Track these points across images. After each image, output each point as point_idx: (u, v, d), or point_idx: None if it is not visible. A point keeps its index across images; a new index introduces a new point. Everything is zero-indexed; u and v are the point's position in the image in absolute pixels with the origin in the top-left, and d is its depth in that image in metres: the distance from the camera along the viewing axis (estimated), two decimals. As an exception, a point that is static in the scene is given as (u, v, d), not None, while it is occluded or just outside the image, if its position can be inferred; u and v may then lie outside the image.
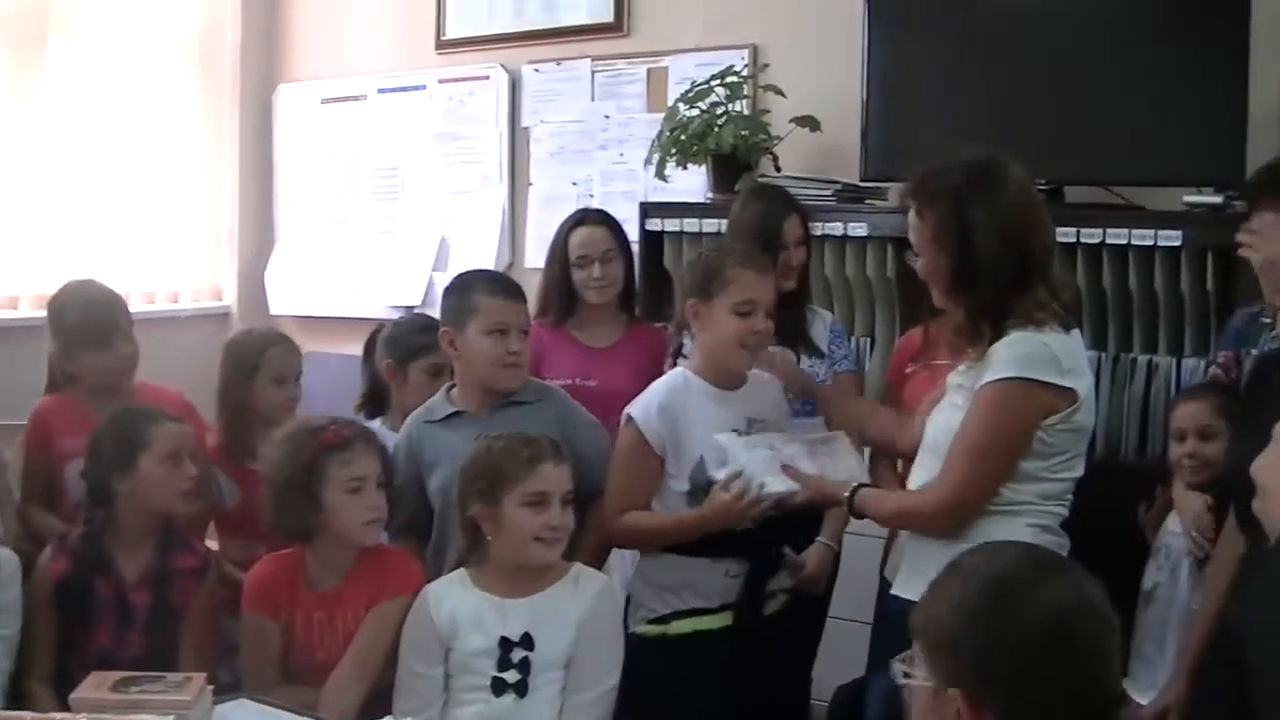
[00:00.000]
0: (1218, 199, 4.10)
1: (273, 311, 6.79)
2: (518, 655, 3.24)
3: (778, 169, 5.07)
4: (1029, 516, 2.90)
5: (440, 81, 6.40)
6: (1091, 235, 4.19)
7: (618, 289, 4.40)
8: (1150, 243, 4.10)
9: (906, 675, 1.85)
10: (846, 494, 3.16)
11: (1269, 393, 2.71)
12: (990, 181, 2.91)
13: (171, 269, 6.75)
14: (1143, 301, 4.20)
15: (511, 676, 3.23)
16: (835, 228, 4.64)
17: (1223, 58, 4.15)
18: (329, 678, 3.39)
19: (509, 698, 3.23)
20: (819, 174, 4.87)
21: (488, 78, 6.22)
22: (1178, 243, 4.07)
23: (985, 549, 2.01)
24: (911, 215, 3.05)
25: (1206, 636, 2.86)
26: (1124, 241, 4.15)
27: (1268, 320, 3.48)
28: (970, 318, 2.96)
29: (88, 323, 4.20)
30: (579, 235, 4.40)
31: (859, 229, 4.47)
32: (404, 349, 4.22)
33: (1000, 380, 2.84)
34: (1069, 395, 2.86)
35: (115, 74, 6.42)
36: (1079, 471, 2.98)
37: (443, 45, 6.39)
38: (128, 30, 6.46)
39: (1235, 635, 2.63)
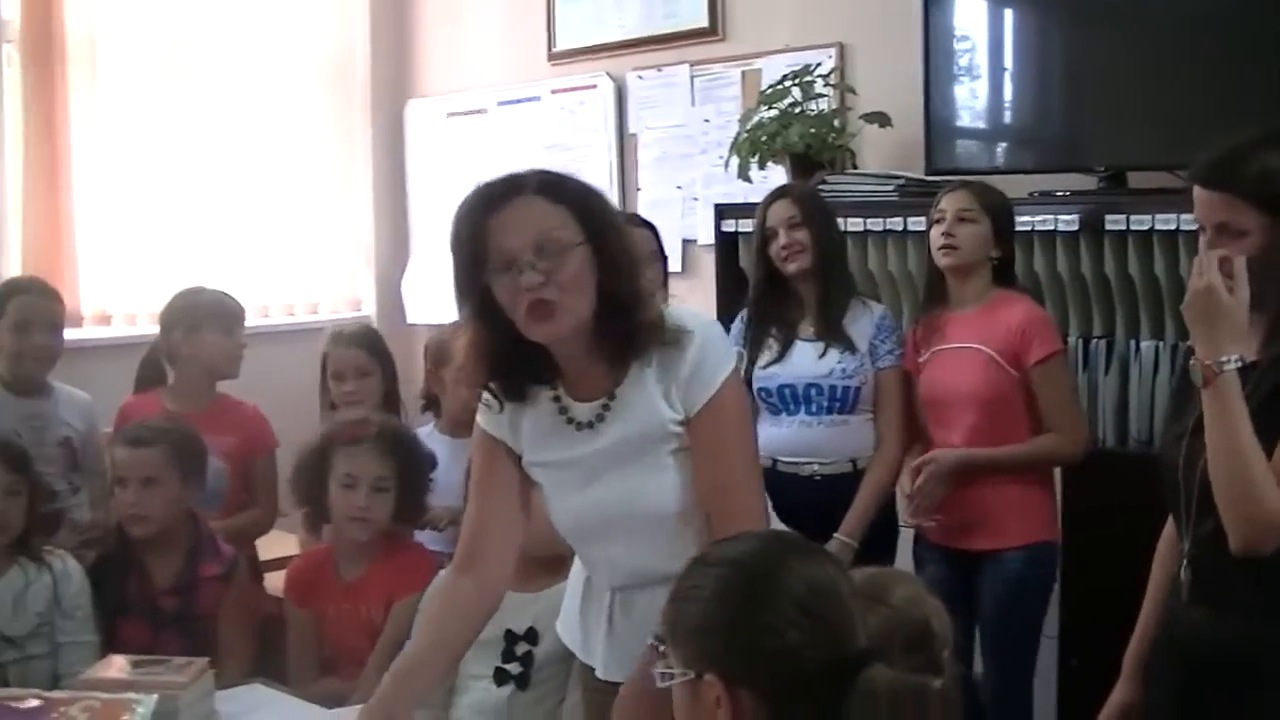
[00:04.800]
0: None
1: (409, 320, 6.99)
2: (521, 649, 3.36)
3: (854, 166, 5.09)
4: None
5: (553, 92, 6.54)
6: (1167, 221, 4.10)
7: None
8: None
9: (664, 675, 1.86)
10: None
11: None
12: None
13: (311, 281, 7.02)
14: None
15: (514, 668, 3.34)
16: (896, 223, 4.64)
17: (1270, 33, 4.07)
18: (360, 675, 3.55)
19: (509, 689, 3.33)
20: (894, 170, 4.87)
21: (595, 86, 6.34)
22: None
23: (728, 540, 2.05)
24: None
25: (1153, 635, 2.83)
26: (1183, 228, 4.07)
27: None
28: None
29: (223, 305, 4.52)
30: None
31: (918, 224, 4.47)
32: (440, 355, 4.34)
33: None
34: None
35: (252, 95, 6.72)
36: None
37: (554, 57, 6.53)
38: (263, 53, 6.76)
39: (1183, 635, 2.65)
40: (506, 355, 2.58)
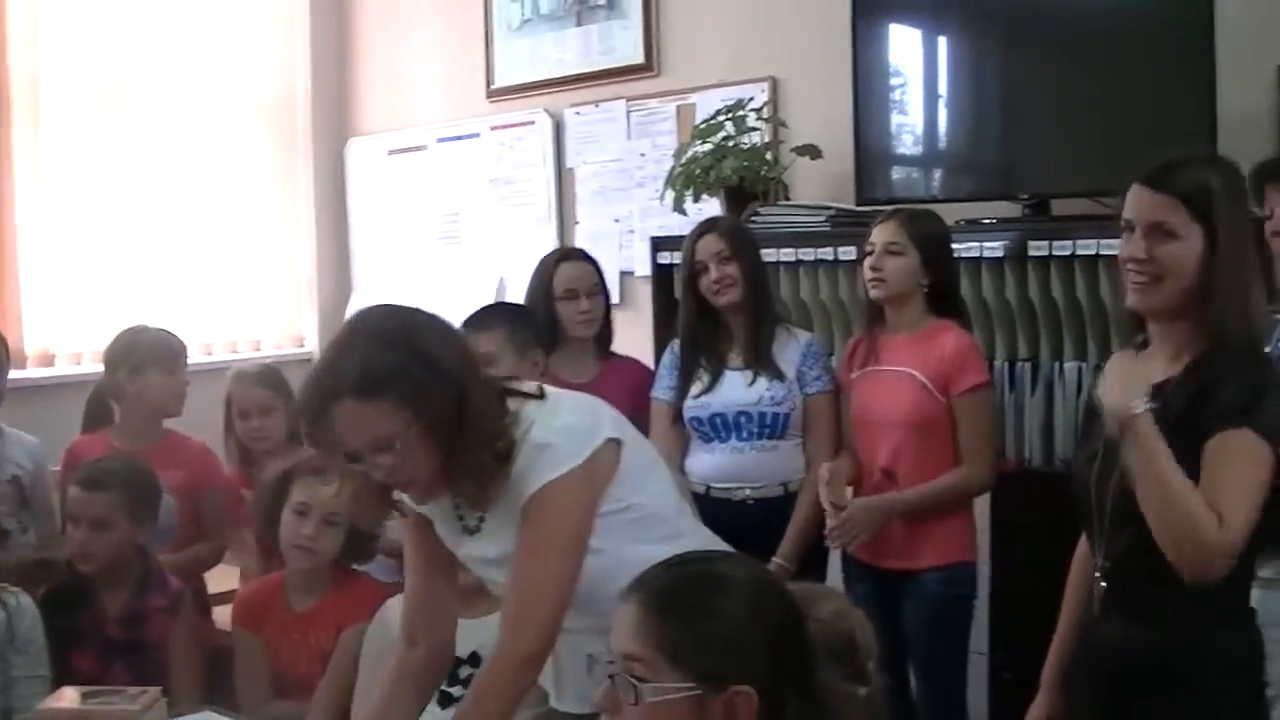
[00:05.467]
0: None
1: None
2: (465, 672, 3.42)
3: (787, 197, 5.21)
4: None
5: (492, 128, 6.66)
6: (1088, 247, 4.22)
7: (599, 324, 4.59)
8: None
9: (655, 691, 1.96)
10: None
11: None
12: None
13: (254, 318, 7.10)
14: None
15: (457, 691, 3.40)
16: (827, 252, 4.76)
17: (1191, 63, 4.21)
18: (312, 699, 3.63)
19: (451, 710, 3.40)
20: (827, 201, 4.99)
21: (534, 122, 6.45)
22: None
23: (703, 559, 2.22)
24: None
25: (1071, 647, 2.93)
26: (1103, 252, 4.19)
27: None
28: None
29: (166, 344, 4.58)
30: (565, 270, 4.59)
31: (849, 253, 4.59)
32: None
33: None
34: None
35: (193, 135, 6.80)
36: None
37: (493, 94, 6.65)
38: (205, 92, 6.85)
39: (1099, 646, 2.75)
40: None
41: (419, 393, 2.51)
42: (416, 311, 2.68)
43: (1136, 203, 2.67)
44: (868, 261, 4.06)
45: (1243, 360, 2.59)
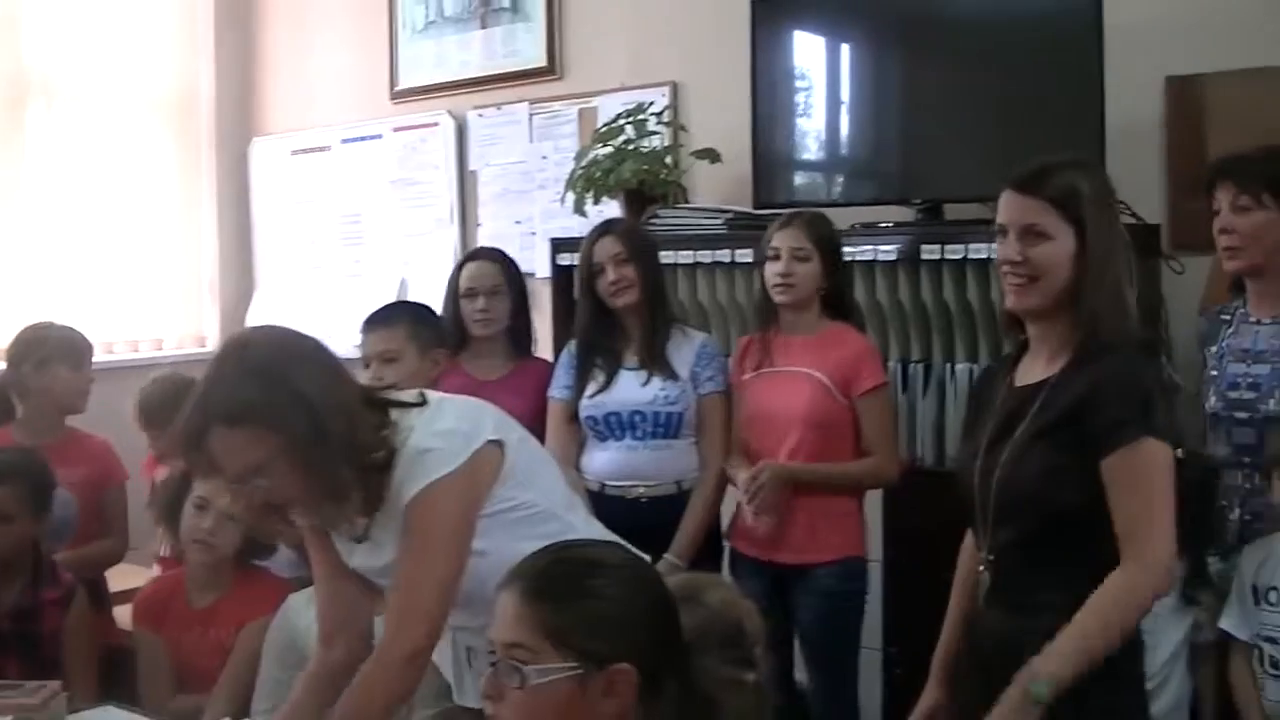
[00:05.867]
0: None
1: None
2: None
3: (686, 201, 5.28)
4: None
5: (395, 130, 6.69)
6: (979, 251, 4.29)
7: (503, 324, 4.64)
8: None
9: (540, 672, 2.03)
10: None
11: (987, 395, 2.89)
12: None
13: (157, 317, 7.09)
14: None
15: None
16: (725, 255, 4.83)
17: (1079, 72, 4.31)
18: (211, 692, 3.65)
19: None
20: (725, 205, 5.07)
21: (437, 124, 6.49)
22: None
23: (580, 544, 2.33)
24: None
25: (958, 639, 3.00)
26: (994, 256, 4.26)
27: (1226, 318, 3.72)
28: None
29: (72, 340, 4.59)
30: (468, 269, 4.66)
31: (745, 255, 4.67)
32: None
33: None
34: None
35: (95, 134, 6.79)
36: None
37: (396, 95, 6.69)
38: (106, 91, 6.83)
39: (984, 637, 2.82)
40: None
41: (280, 419, 2.57)
42: (287, 337, 2.77)
43: (1008, 207, 2.77)
44: (775, 267, 4.11)
45: (1123, 362, 2.67)
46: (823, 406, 4.07)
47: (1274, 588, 3.38)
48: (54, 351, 4.54)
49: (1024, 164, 2.78)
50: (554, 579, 2.08)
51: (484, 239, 6.25)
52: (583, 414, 4.37)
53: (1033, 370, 2.78)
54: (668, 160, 5.28)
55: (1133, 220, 4.22)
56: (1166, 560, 2.61)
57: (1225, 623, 3.48)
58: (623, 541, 2.52)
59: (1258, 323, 3.65)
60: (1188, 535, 3.43)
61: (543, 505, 2.89)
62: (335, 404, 2.64)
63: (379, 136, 6.75)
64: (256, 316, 7.16)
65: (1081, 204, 2.68)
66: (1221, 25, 4.42)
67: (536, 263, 5.84)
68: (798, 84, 5.02)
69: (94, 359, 4.84)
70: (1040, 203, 2.71)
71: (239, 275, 7.33)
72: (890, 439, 4.18)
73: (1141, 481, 2.59)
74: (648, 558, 3.94)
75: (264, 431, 2.57)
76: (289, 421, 2.57)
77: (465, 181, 6.43)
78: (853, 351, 4.10)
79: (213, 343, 7.23)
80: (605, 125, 5.40)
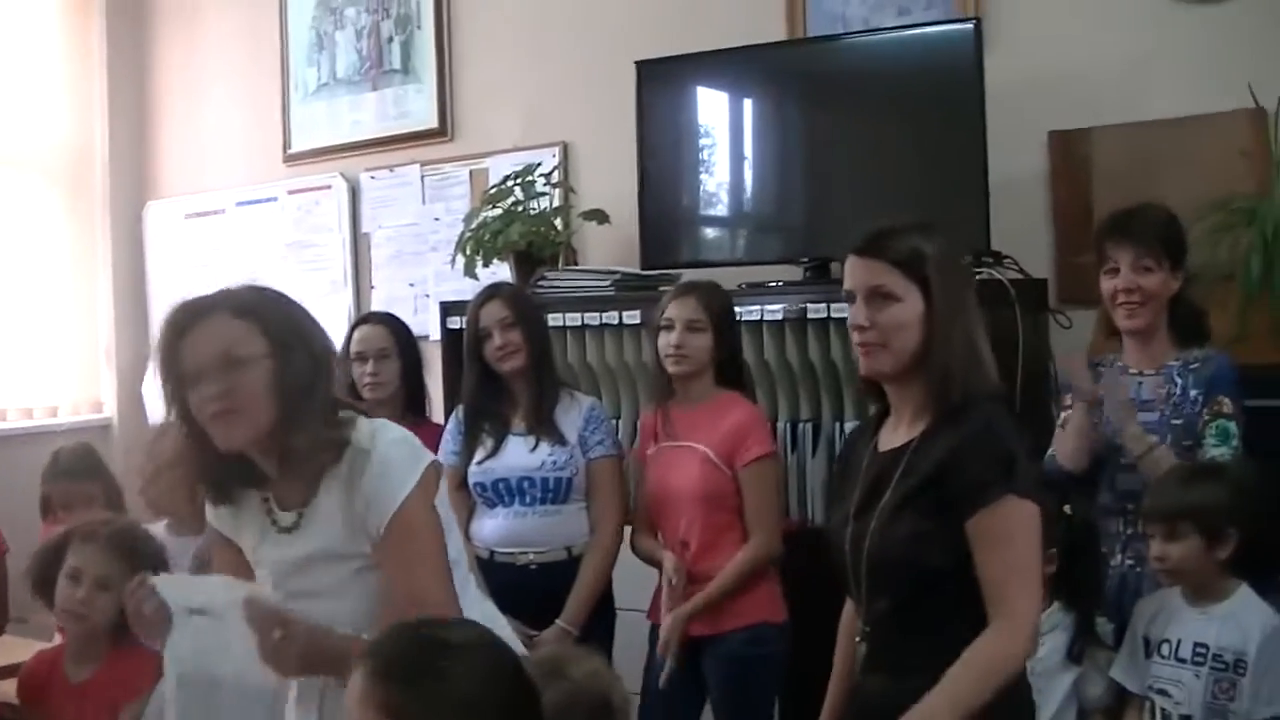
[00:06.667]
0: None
1: (152, 421, 6.96)
2: None
3: (574, 263, 5.27)
4: None
5: (289, 193, 6.67)
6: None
7: (393, 387, 4.63)
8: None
9: None
10: None
11: (854, 459, 2.88)
12: None
13: (50, 384, 6.98)
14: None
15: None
16: (612, 317, 4.81)
17: (962, 129, 4.34)
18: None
19: None
20: (613, 266, 5.06)
21: (330, 187, 6.48)
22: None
23: (437, 624, 2.26)
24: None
25: (841, 706, 2.98)
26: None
27: (1104, 369, 3.72)
28: None
29: None
30: (358, 333, 4.66)
31: (633, 316, 4.65)
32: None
33: None
34: None
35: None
36: None
37: (290, 158, 6.67)
38: (-2, 154, 6.74)
39: (865, 702, 2.80)
40: (211, 461, 2.72)
41: (284, 337, 2.63)
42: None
43: (853, 272, 2.75)
44: (669, 338, 4.09)
45: (983, 422, 2.64)
46: (709, 481, 4.04)
47: (1166, 640, 3.37)
48: None
49: (864, 229, 2.77)
50: (402, 659, 2.03)
51: (378, 302, 6.23)
52: (471, 480, 4.33)
53: (895, 434, 2.77)
54: (556, 222, 5.25)
55: (1019, 275, 4.27)
56: (1034, 618, 2.60)
57: (1116, 673, 3.46)
58: (471, 621, 2.47)
59: (1140, 373, 3.69)
60: (1073, 592, 3.49)
61: (453, 554, 2.86)
62: (327, 367, 2.71)
63: (274, 199, 6.73)
64: (153, 382, 7.04)
65: (925, 264, 2.67)
66: (1103, 79, 4.48)
67: (430, 325, 5.79)
68: (682, 144, 5.03)
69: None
70: (884, 265, 2.69)
71: (135, 340, 7.21)
72: (771, 513, 4.10)
73: (1004, 540, 2.57)
74: (532, 632, 3.99)
75: (262, 337, 2.61)
76: (289, 346, 2.63)
77: (359, 244, 6.42)
78: (738, 421, 4.06)
79: (109, 409, 7.17)
80: (493, 187, 5.37)
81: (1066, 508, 3.50)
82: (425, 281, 6.12)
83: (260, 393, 2.61)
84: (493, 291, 4.43)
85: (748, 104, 5.01)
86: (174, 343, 2.64)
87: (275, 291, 2.77)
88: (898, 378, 2.74)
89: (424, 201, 6.14)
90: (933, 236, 2.73)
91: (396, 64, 6.23)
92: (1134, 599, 3.56)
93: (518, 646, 2.68)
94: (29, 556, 3.97)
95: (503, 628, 2.95)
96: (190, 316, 2.65)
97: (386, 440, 2.72)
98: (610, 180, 5.37)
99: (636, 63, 5.04)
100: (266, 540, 2.81)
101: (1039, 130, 4.57)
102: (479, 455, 4.33)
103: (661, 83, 5.04)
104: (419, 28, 6.14)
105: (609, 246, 5.32)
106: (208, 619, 2.65)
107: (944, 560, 2.60)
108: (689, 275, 4.62)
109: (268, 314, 2.65)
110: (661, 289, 4.65)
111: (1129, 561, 3.62)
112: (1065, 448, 3.70)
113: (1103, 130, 4.48)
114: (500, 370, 4.31)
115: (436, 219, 6.06)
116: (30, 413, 6.86)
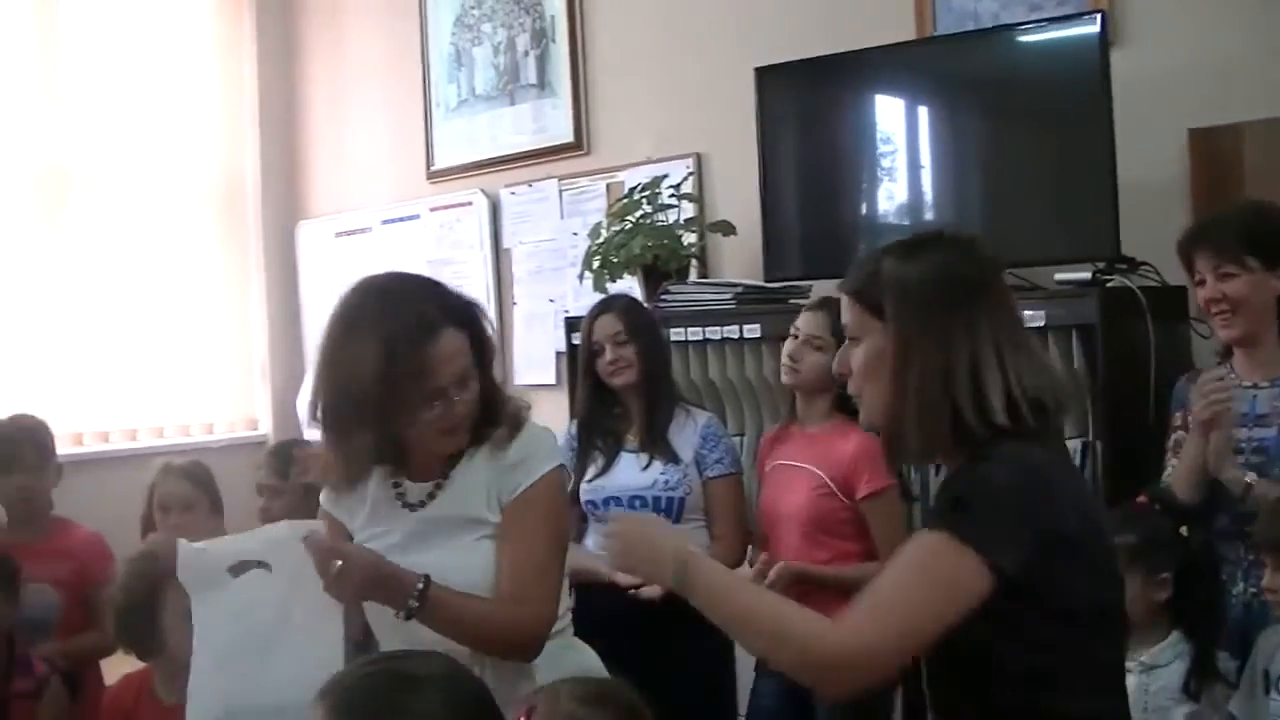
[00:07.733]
0: (1086, 274, 4.05)
1: (307, 436, 7.01)
2: None
3: (702, 275, 5.17)
4: None
5: (431, 210, 6.69)
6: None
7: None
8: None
9: None
10: None
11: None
12: None
13: (207, 401, 7.10)
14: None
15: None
16: (733, 330, 4.71)
17: (1091, 131, 4.14)
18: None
19: None
20: (738, 279, 4.97)
21: (471, 203, 6.47)
22: (1041, 322, 3.93)
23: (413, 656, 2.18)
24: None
25: None
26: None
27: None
28: None
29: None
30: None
31: (753, 330, 4.54)
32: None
33: None
34: None
35: (143, 220, 6.86)
36: None
37: (433, 175, 6.70)
38: (154, 178, 6.91)
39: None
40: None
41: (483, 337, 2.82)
42: None
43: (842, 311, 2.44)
44: (787, 347, 3.99)
45: (967, 466, 2.27)
46: (819, 505, 3.90)
47: (1285, 676, 3.16)
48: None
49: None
50: (363, 695, 1.97)
51: (520, 318, 6.24)
52: (582, 498, 4.26)
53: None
54: (682, 235, 5.15)
55: (1156, 283, 4.06)
56: (871, 639, 2.14)
57: (1234, 708, 3.25)
58: (436, 653, 2.32)
59: (1254, 387, 3.50)
60: (1194, 621, 3.28)
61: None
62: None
63: (417, 216, 6.76)
64: (308, 397, 7.11)
65: (880, 290, 2.31)
66: (1248, 73, 4.24)
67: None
68: (805, 150, 4.92)
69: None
70: (848, 299, 2.38)
71: (289, 357, 7.31)
72: (901, 542, 3.91)
73: (895, 567, 2.21)
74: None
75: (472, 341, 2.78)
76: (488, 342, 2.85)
77: (500, 259, 6.40)
78: (855, 450, 3.83)
79: (265, 426, 7.26)
80: (618, 200, 5.30)
81: (1183, 530, 3.31)
82: (564, 297, 6.06)
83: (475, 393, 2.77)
84: (606, 305, 4.36)
85: (876, 110, 4.84)
86: (422, 351, 2.71)
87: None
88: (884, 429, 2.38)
89: (562, 216, 6.10)
90: (907, 257, 2.32)
91: (533, 78, 6.21)
92: (1260, 629, 3.33)
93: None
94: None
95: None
96: (430, 328, 2.73)
97: (534, 422, 2.89)
98: (740, 191, 5.26)
99: (756, 69, 4.94)
100: (392, 515, 2.87)
101: (1178, 128, 4.33)
102: (591, 472, 4.27)
103: (782, 89, 4.93)
104: (554, 41, 6.10)
105: (740, 259, 5.22)
106: (256, 574, 2.72)
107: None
108: (819, 287, 4.48)
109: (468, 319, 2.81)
110: (793, 302, 4.55)
111: (1252, 589, 3.38)
112: (1179, 482, 3.48)
113: (1250, 126, 4.23)
114: (612, 385, 4.23)
115: (574, 234, 5.99)
116: (188, 429, 6.97)
